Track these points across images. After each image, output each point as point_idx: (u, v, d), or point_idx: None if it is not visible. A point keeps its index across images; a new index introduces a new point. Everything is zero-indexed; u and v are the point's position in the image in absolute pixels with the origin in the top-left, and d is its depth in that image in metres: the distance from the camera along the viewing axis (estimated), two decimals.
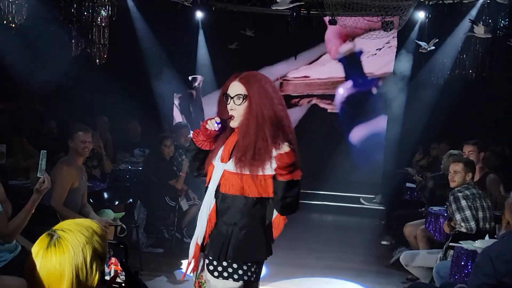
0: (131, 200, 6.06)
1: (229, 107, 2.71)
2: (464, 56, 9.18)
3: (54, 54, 7.78)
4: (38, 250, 1.67)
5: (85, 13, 7.85)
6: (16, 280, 3.29)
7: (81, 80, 8.33)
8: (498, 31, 8.50)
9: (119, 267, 1.93)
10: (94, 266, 1.68)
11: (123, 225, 5.28)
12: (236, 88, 2.71)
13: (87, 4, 7.75)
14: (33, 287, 1.65)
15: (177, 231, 6.59)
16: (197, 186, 6.89)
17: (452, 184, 4.95)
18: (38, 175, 3.45)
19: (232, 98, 2.70)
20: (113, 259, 1.95)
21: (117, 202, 5.93)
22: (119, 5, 8.29)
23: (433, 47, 8.37)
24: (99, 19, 7.96)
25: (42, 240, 1.69)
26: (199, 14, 10.11)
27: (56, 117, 7.78)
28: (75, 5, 7.73)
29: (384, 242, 7.22)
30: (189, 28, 10.35)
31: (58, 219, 4.28)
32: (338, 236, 7.79)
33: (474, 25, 7.29)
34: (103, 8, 7.91)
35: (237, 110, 2.69)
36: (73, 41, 7.89)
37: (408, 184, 7.38)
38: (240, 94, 2.69)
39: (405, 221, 6.18)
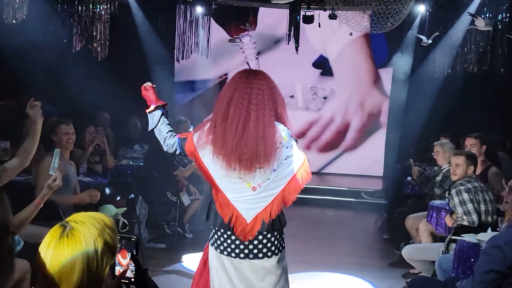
0: (132, 195, 6.07)
1: None
2: (465, 49, 9.18)
3: (55, 50, 7.78)
4: (50, 241, 1.68)
5: (86, 9, 7.85)
6: (22, 262, 3.33)
7: (82, 76, 8.34)
8: (499, 24, 8.49)
9: (129, 259, 1.94)
10: (105, 259, 1.69)
11: (125, 221, 5.29)
12: None
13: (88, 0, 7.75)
14: (43, 278, 1.66)
15: (178, 226, 6.59)
16: (198, 180, 6.89)
17: (453, 177, 4.97)
18: (50, 173, 3.49)
19: None
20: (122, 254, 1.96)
21: (118, 198, 5.93)
22: (119, 0, 8.29)
23: (430, 41, 8.37)
24: (100, 15, 7.96)
25: (55, 231, 1.69)
26: (199, 9, 10.10)
27: (57, 113, 7.79)
28: (76, 1, 7.73)
29: (386, 236, 7.23)
30: (189, 23, 10.34)
31: (60, 215, 4.29)
32: (339, 231, 7.80)
33: (474, 18, 7.28)
34: (104, 4, 7.90)
35: None
36: (74, 37, 7.89)
37: (409, 178, 7.38)
38: None
39: (407, 214, 6.18)
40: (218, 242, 2.98)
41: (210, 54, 10.58)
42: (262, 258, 2.96)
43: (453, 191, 4.79)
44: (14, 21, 6.41)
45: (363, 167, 11.14)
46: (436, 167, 6.50)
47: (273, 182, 2.90)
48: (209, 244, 3.05)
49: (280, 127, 2.89)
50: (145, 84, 3.25)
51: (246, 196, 2.91)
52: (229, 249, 2.95)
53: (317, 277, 5.61)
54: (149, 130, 3.18)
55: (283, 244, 3.07)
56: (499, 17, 8.42)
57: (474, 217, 4.59)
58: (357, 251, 6.62)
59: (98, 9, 7.93)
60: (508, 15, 8.36)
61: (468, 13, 7.77)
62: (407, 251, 5.25)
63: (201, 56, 10.35)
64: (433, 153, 6.53)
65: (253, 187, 2.90)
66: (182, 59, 10.47)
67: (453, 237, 4.49)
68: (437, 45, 9.31)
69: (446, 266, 4.32)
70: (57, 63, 7.65)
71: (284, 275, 3.06)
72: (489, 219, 4.66)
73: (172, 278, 5.43)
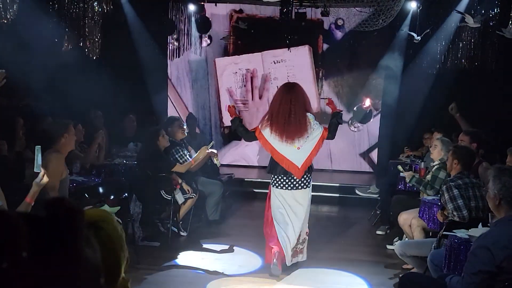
0: (126, 194, 6.06)
1: None
2: (456, 46, 9.22)
3: (47, 49, 7.75)
4: None
5: (78, 8, 7.83)
6: None
7: (75, 74, 8.31)
8: (489, 21, 8.53)
9: None
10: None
11: (119, 219, 5.29)
12: None
13: None
14: None
15: (173, 225, 6.60)
16: (192, 179, 6.90)
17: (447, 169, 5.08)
18: (35, 170, 3.48)
19: None
20: None
21: (112, 197, 5.93)
22: None
23: (419, 38, 8.39)
24: (91, 14, 7.93)
25: None
26: (191, 7, 10.10)
27: (51, 113, 7.76)
28: (67, 0, 7.71)
29: (379, 232, 7.26)
30: (181, 22, 10.34)
31: None
32: (333, 227, 7.82)
33: (463, 16, 7.32)
34: (96, 3, 7.88)
35: None
36: (66, 36, 7.87)
37: (402, 174, 7.41)
38: None
39: (400, 210, 6.21)
40: (279, 182, 5.36)
41: (202, 52, 10.59)
42: (303, 188, 5.41)
43: (444, 188, 4.83)
44: (5, 21, 6.38)
45: (356, 163, 11.18)
46: (432, 163, 6.54)
47: (308, 143, 5.30)
48: (271, 187, 5.44)
49: (308, 114, 5.32)
50: (229, 104, 5.48)
51: (294, 153, 5.26)
52: (288, 183, 5.34)
53: (310, 273, 5.63)
54: (232, 130, 5.17)
55: (311, 182, 5.53)
56: (489, 14, 8.46)
57: (465, 213, 4.63)
58: (350, 247, 6.65)
59: (90, 8, 7.91)
60: (497, 11, 8.40)
61: (456, 10, 7.80)
62: (399, 247, 5.28)
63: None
64: (430, 147, 6.55)
65: (298, 147, 5.27)
66: (175, 57, 10.48)
67: (444, 232, 4.52)
68: (429, 41, 9.35)
69: (438, 261, 4.35)
70: (49, 62, 7.61)
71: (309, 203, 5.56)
72: (480, 214, 4.70)
73: (166, 276, 5.44)
